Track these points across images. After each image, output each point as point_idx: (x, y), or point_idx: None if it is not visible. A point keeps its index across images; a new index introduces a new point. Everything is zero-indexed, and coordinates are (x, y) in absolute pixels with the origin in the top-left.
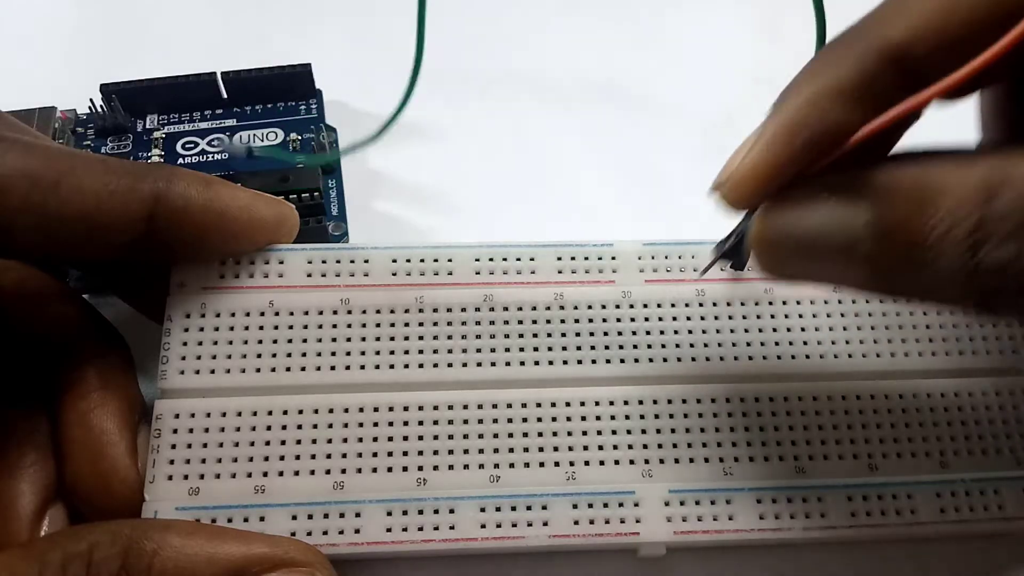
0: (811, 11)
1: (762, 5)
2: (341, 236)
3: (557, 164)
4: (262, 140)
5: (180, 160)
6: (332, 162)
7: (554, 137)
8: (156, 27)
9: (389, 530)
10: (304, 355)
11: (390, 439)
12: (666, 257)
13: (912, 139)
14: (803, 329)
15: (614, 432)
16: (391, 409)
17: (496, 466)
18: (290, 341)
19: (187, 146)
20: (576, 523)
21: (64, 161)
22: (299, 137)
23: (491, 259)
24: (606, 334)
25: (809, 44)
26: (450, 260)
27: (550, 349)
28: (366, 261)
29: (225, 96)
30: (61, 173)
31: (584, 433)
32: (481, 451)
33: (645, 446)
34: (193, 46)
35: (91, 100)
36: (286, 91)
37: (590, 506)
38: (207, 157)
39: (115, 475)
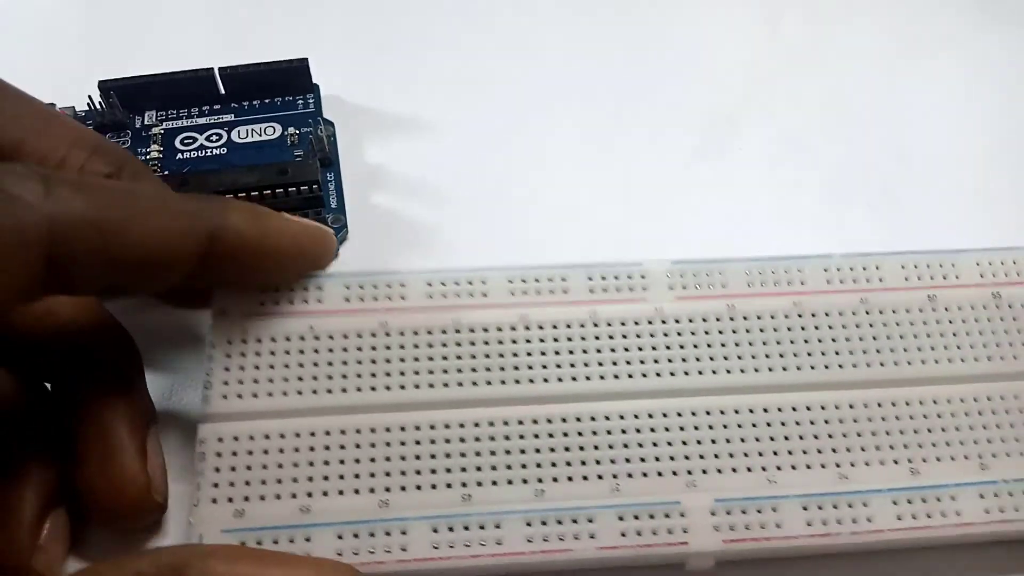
0: (810, 10)
1: (762, 6)
2: (340, 229)
3: (555, 161)
4: (260, 135)
5: (178, 155)
6: None
7: (552, 134)
8: (153, 24)
9: (436, 547)
10: (345, 377)
11: (433, 457)
12: (694, 275)
13: None
14: (834, 340)
15: (655, 444)
16: (433, 427)
17: (540, 480)
18: (330, 364)
19: (185, 142)
20: (623, 535)
21: (127, 205)
22: (297, 131)
23: (524, 280)
24: (640, 349)
25: (808, 45)
26: (484, 282)
27: (587, 365)
28: (402, 285)
29: (223, 92)
30: (125, 219)
31: (625, 446)
32: (524, 466)
33: (687, 457)
34: (190, 42)
35: (89, 97)
36: (283, 86)
37: (636, 518)
38: (205, 152)
39: (126, 479)
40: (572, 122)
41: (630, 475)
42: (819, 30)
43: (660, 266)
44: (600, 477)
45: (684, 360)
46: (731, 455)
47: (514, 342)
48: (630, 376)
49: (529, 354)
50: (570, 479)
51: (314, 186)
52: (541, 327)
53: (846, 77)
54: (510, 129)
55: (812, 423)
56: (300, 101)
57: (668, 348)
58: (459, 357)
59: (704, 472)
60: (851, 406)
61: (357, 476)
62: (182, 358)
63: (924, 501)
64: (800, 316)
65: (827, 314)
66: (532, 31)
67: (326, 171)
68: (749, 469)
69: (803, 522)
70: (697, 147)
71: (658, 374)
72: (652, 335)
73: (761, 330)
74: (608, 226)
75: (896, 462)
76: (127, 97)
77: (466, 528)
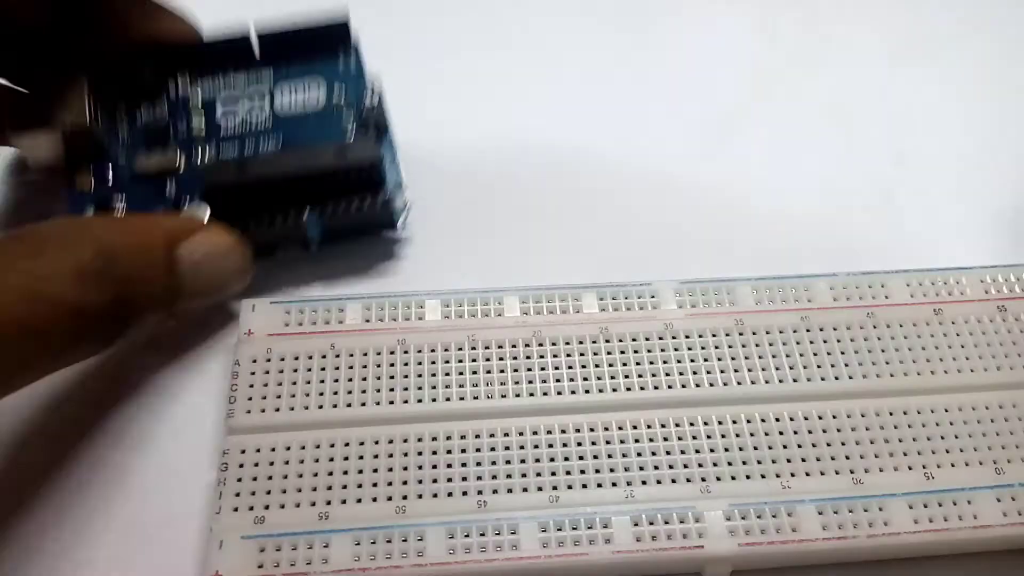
0: (809, 11)
1: (761, 6)
2: (403, 209)
3: (555, 161)
4: (304, 95)
5: (221, 132)
6: None
7: (552, 135)
8: None
9: (452, 552)
10: (364, 392)
11: (449, 466)
12: (703, 294)
13: None
14: (842, 352)
15: (668, 453)
16: (449, 438)
17: (554, 488)
18: (350, 380)
19: (226, 114)
20: (638, 540)
21: None
22: (343, 88)
23: (537, 300)
24: (652, 363)
25: (807, 45)
26: (500, 303)
27: (599, 378)
28: (420, 306)
29: (258, 56)
30: None
31: (639, 454)
32: (539, 474)
33: (700, 465)
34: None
35: None
36: (323, 45)
37: (651, 523)
38: (248, 128)
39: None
40: (572, 123)
41: (644, 482)
42: (819, 31)
43: (669, 286)
44: (614, 484)
45: (695, 373)
46: (744, 462)
47: (528, 357)
48: (642, 388)
49: (543, 368)
50: (584, 486)
51: (372, 166)
52: (554, 343)
53: (846, 78)
54: (510, 131)
55: (824, 431)
56: (341, 62)
57: (679, 362)
58: (474, 372)
59: (718, 479)
60: (863, 414)
61: (375, 484)
62: (208, 372)
63: (940, 505)
64: (808, 330)
65: (834, 328)
66: (533, 35)
67: (379, 141)
68: (763, 476)
69: (819, 526)
70: (699, 149)
71: (669, 386)
72: (663, 349)
73: (770, 344)
74: (608, 222)
75: (910, 468)
76: (160, 64)
77: (482, 533)
